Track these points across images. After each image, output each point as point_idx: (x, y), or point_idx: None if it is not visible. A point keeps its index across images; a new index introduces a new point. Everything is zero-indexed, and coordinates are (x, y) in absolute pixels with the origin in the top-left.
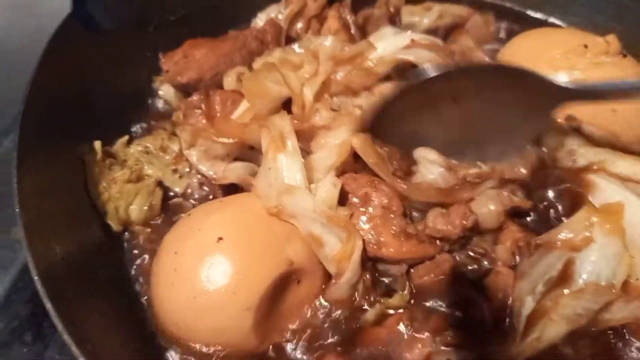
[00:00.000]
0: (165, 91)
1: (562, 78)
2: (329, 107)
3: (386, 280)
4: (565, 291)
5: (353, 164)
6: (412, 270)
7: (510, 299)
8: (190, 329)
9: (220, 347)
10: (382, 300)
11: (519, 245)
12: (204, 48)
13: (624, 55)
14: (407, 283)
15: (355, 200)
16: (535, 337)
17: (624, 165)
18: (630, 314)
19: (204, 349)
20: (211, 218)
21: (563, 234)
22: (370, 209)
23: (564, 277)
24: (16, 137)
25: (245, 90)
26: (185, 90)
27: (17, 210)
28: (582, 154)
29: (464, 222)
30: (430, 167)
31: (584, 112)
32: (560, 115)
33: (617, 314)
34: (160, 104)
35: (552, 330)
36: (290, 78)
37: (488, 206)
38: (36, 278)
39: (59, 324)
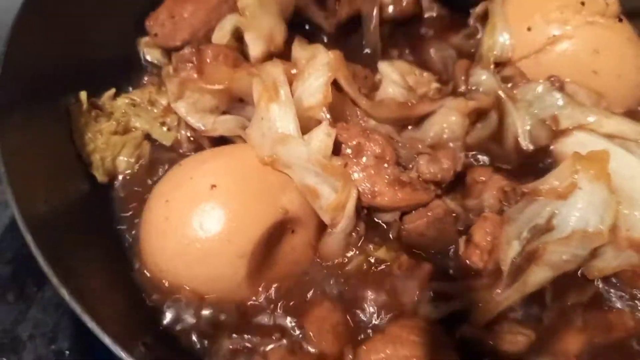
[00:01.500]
0: (151, 53)
1: (553, 31)
2: None
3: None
4: (552, 238)
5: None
6: (404, 217)
7: (497, 243)
8: (182, 277)
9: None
10: (371, 248)
11: (505, 190)
12: (189, 4)
13: (620, 20)
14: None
15: (348, 151)
16: (522, 281)
17: (610, 124)
18: (625, 261)
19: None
20: (204, 166)
21: (548, 181)
22: (364, 159)
23: (551, 225)
24: None
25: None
26: (175, 51)
27: (2, 170)
28: (567, 116)
29: (455, 165)
30: (393, 85)
31: (565, 74)
32: (543, 76)
33: (612, 262)
34: (148, 58)
35: (539, 275)
36: None
37: (450, 117)
38: (24, 229)
39: (48, 270)
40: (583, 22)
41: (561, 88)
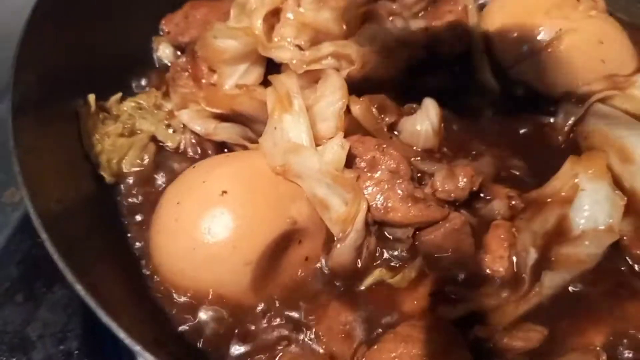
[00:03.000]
0: (163, 51)
1: (557, 26)
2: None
3: (391, 237)
4: (565, 241)
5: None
6: (421, 230)
7: (514, 250)
8: (188, 279)
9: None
10: (384, 271)
11: (510, 195)
12: (204, 8)
13: (610, 14)
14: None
15: (362, 164)
16: (540, 285)
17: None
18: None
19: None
20: (216, 171)
21: (552, 186)
22: (378, 173)
23: (562, 229)
24: (9, 102)
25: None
26: (185, 50)
27: (17, 169)
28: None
29: (471, 183)
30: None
31: (577, 65)
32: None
33: None
34: (157, 63)
35: (556, 278)
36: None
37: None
38: (39, 227)
39: (64, 267)
40: (583, 16)
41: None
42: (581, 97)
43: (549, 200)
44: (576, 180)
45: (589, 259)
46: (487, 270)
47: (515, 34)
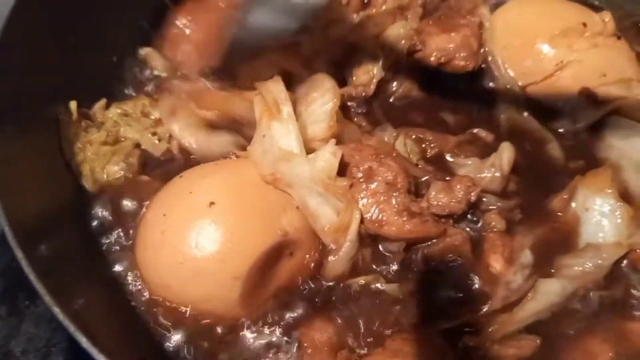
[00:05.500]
0: (154, 63)
1: (561, 56)
2: None
3: (384, 251)
4: (569, 252)
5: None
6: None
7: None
8: (175, 294)
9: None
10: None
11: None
12: (201, 24)
13: (619, 37)
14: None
15: (359, 175)
16: (535, 291)
17: None
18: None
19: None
20: (204, 181)
21: (556, 202)
22: (374, 184)
23: (565, 241)
24: None
25: None
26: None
27: None
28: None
29: (468, 196)
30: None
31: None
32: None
33: None
34: (145, 71)
35: (555, 286)
36: None
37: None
38: (14, 245)
39: (40, 287)
40: (588, 45)
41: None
42: (597, 100)
43: (552, 213)
44: (582, 195)
45: (594, 272)
46: (484, 286)
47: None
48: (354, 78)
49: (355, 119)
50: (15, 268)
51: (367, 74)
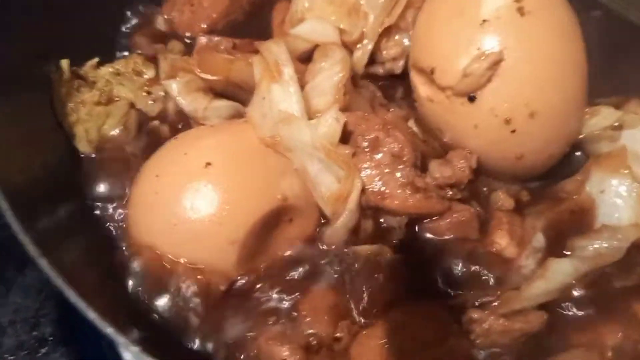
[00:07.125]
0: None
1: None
2: None
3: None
4: (584, 233)
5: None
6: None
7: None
8: (167, 256)
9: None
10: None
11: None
12: None
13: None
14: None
15: (364, 144)
16: (545, 269)
17: None
18: None
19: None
20: (200, 142)
21: (571, 183)
22: (379, 155)
23: (580, 222)
24: None
25: None
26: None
27: None
28: None
29: (470, 162)
30: None
31: None
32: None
33: None
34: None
35: (567, 266)
36: None
37: None
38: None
39: (24, 237)
40: None
41: None
42: None
43: (567, 195)
44: (597, 177)
45: (610, 254)
46: (499, 254)
47: None
48: (384, 52)
49: (371, 89)
50: (3, 237)
51: (399, 46)
